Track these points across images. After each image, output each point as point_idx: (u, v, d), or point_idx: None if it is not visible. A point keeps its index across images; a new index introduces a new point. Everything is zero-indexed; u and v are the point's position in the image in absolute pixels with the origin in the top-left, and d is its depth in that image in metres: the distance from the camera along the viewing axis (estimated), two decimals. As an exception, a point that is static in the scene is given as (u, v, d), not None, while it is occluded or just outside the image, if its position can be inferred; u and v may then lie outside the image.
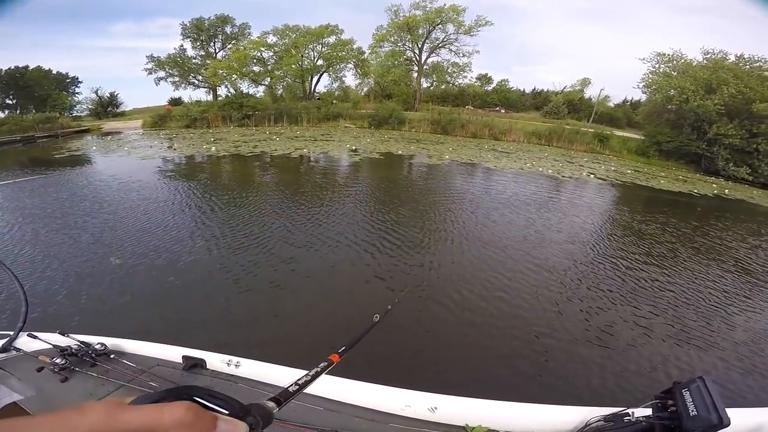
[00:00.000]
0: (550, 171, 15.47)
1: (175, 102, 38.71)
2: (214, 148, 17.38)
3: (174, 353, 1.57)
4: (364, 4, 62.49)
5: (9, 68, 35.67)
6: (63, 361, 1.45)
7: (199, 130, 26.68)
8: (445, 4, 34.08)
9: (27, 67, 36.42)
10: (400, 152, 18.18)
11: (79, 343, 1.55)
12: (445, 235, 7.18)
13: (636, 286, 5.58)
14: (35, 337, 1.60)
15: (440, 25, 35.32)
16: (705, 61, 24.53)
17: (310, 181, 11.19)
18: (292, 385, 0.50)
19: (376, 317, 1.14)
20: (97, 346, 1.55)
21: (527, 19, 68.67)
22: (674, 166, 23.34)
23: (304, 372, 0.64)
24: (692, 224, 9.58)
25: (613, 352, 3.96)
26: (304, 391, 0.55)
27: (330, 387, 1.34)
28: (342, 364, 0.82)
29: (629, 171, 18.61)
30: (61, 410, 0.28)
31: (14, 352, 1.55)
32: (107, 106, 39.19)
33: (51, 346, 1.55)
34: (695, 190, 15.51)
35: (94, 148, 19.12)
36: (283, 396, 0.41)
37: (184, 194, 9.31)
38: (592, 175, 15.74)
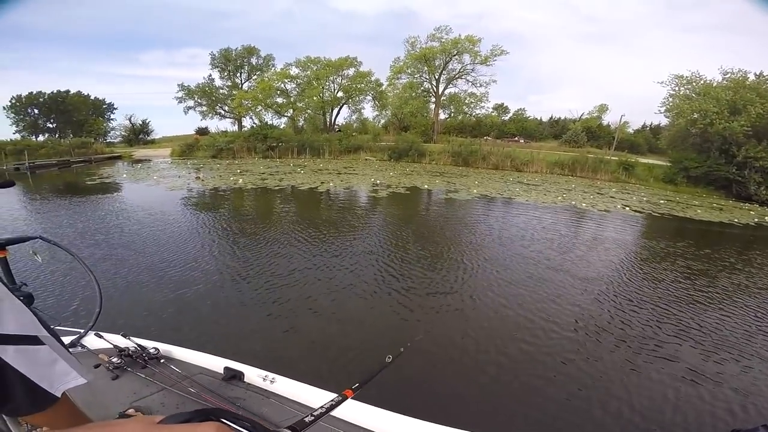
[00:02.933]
0: (583, 204, 15.06)
1: (202, 132, 40.34)
2: (241, 180, 17.65)
3: (217, 363, 1.67)
4: (377, 37, 65.43)
5: (52, 92, 38.13)
6: (118, 361, 1.60)
7: (224, 160, 27.48)
8: (460, 35, 35.29)
9: (68, 91, 38.83)
10: (425, 186, 17.95)
11: (136, 346, 1.71)
12: (522, 273, 6.81)
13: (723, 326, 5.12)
14: (101, 337, 1.81)
15: (457, 56, 36.34)
16: (725, 82, 24.08)
17: (341, 218, 10.96)
18: (308, 415, 0.52)
19: (389, 358, 1.15)
20: (152, 350, 1.69)
21: (534, 46, 70.42)
22: (704, 193, 22.67)
23: (329, 397, 0.74)
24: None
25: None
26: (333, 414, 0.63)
27: (372, 419, 1.31)
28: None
29: (662, 201, 18.08)
30: (105, 423, 0.33)
31: (80, 348, 1.74)
32: (139, 133, 41.04)
33: (112, 346, 1.73)
34: (735, 219, 14.90)
35: (125, 175, 19.79)
36: (299, 425, 0.43)
37: (216, 229, 9.17)
38: (627, 207, 15.28)
